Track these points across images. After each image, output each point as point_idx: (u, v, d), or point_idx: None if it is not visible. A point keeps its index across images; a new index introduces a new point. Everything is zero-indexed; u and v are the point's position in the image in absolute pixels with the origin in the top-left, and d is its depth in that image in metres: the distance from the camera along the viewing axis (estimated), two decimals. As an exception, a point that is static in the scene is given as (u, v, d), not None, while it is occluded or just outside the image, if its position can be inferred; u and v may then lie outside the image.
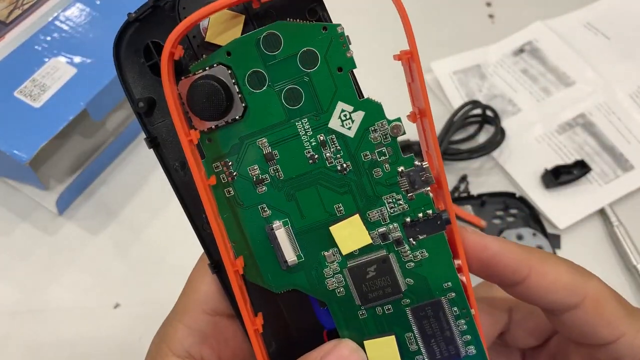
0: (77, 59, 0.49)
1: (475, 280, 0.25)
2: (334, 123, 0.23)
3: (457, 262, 0.24)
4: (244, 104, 0.23)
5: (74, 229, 0.52)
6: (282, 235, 0.23)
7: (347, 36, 0.22)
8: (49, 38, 0.50)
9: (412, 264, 0.24)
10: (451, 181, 0.54)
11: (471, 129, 0.58)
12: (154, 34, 0.23)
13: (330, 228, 0.23)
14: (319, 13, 0.22)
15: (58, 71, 0.49)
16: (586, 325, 0.24)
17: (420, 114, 0.23)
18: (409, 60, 0.22)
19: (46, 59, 0.49)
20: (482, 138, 0.57)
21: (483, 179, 0.55)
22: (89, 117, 0.49)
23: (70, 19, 0.52)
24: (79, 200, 0.53)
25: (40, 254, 0.50)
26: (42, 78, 0.48)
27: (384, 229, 0.23)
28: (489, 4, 0.70)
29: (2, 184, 0.53)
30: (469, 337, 0.24)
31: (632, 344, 0.24)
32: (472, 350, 0.24)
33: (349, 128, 0.23)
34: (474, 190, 0.53)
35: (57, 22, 0.51)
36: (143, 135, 0.24)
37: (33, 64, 0.49)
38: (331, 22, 0.22)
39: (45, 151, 0.50)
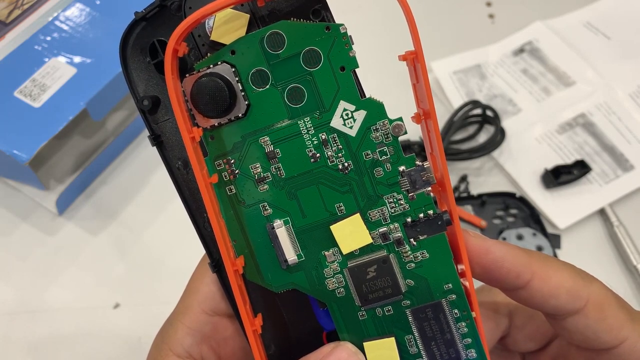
0: (77, 59, 0.49)
1: (474, 284, 0.24)
2: (336, 122, 0.23)
3: (460, 266, 0.24)
4: (247, 102, 0.23)
5: (74, 229, 0.52)
6: (282, 234, 0.23)
7: (350, 36, 0.22)
8: (49, 38, 0.50)
9: (413, 264, 0.23)
10: (451, 181, 0.54)
11: (471, 129, 0.58)
12: (160, 33, 0.23)
13: (331, 227, 0.23)
14: (323, 14, 0.23)
15: (58, 71, 0.49)
16: (588, 330, 0.24)
17: (425, 116, 0.23)
18: (414, 60, 0.22)
19: (46, 59, 0.49)
20: (482, 138, 0.57)
21: (483, 179, 0.55)
22: (89, 117, 0.49)
23: (70, 19, 0.52)
24: (79, 201, 0.53)
25: (40, 254, 0.50)
26: (42, 78, 0.48)
27: (385, 228, 0.23)
28: (489, 4, 0.70)
29: (2, 184, 0.53)
30: (469, 340, 0.24)
31: (635, 349, 0.24)
32: (472, 353, 0.24)
33: (351, 127, 0.23)
34: (474, 190, 0.53)
35: (57, 22, 0.51)
36: (143, 135, 0.24)
37: (33, 64, 0.49)
38: (334, 22, 0.22)
39: (45, 151, 0.50)
